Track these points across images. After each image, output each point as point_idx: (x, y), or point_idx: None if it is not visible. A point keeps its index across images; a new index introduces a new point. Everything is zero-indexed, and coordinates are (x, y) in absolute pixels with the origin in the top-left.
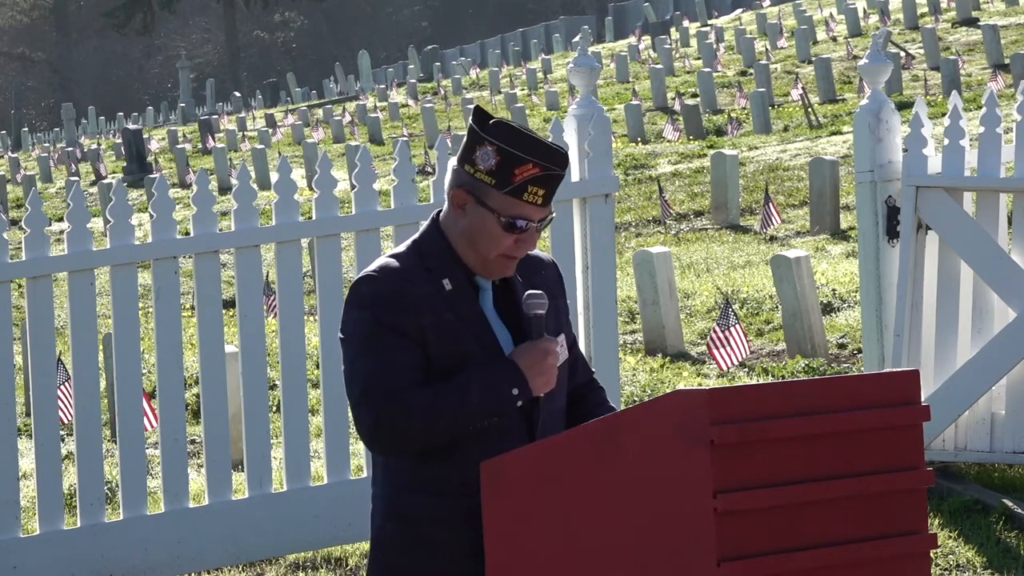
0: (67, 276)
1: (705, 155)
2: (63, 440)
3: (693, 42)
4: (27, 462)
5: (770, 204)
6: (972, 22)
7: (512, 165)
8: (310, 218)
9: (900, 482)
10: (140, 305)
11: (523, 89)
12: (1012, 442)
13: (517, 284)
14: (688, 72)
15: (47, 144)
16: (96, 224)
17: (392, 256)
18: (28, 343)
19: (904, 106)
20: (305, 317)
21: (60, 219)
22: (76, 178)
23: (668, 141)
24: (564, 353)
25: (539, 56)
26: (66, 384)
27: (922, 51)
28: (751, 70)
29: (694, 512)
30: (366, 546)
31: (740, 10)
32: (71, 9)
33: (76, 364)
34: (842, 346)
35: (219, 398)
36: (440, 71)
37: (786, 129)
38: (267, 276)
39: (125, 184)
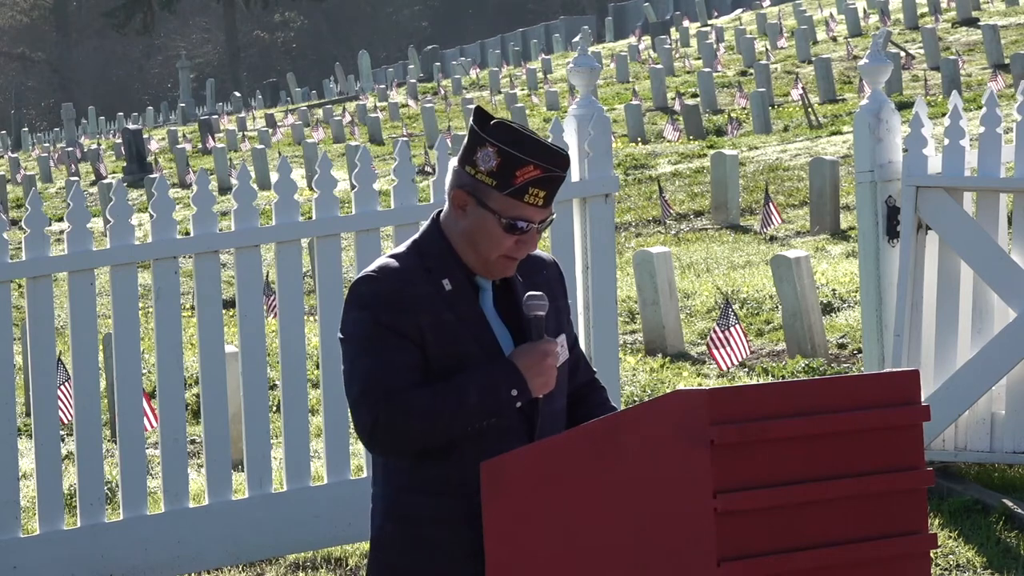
0: (67, 276)
1: (705, 155)
2: (63, 440)
3: (693, 42)
4: (27, 462)
5: (770, 204)
6: (972, 22)
7: (513, 167)
8: (310, 218)
9: (900, 482)
10: (140, 305)
11: (523, 89)
12: (1012, 442)
13: (518, 284)
14: (688, 72)
15: (47, 144)
16: (96, 224)
17: (392, 256)
18: (28, 343)
19: (904, 106)
20: (305, 317)
21: (60, 219)
22: (76, 178)
23: (668, 141)
24: (564, 354)
25: (539, 56)
26: (66, 384)
27: (922, 51)
28: (751, 70)
29: (694, 512)
30: (366, 546)
31: (740, 10)
32: (71, 9)
33: (76, 364)
34: (842, 346)
35: (219, 398)
36: (440, 71)
37: (786, 129)
38: (267, 276)
39: (125, 184)
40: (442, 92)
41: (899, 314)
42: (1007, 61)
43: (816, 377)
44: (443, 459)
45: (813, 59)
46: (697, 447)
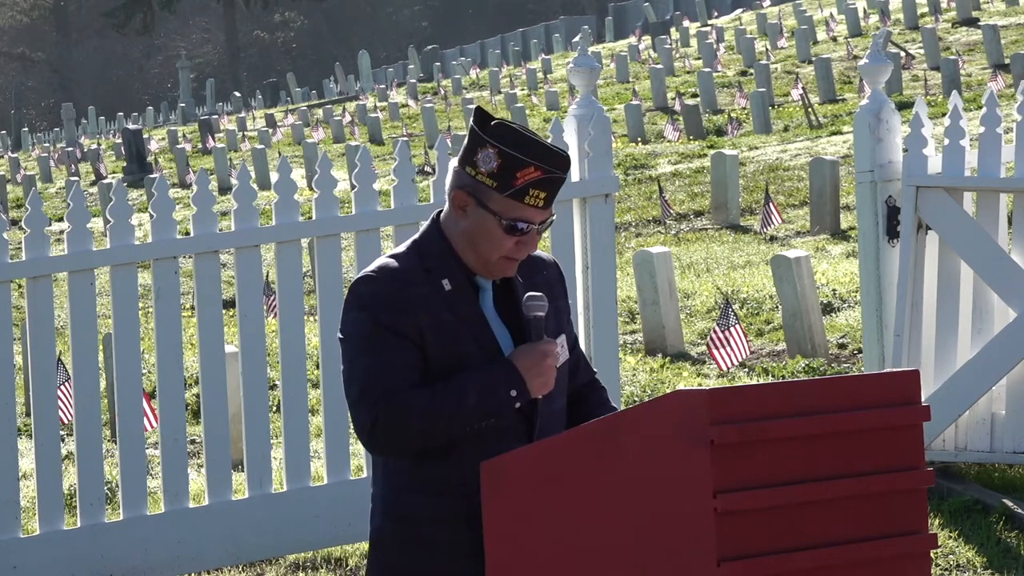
0: (67, 276)
1: (705, 155)
2: (63, 440)
3: (693, 42)
4: (27, 462)
5: (770, 204)
6: (972, 22)
7: (514, 168)
8: (310, 218)
9: (900, 482)
10: (140, 305)
11: (523, 89)
12: (1012, 442)
13: (518, 285)
14: (688, 72)
15: (47, 144)
16: (96, 224)
17: (391, 256)
18: (28, 343)
19: (904, 106)
20: (305, 317)
21: (60, 219)
22: (76, 178)
23: (668, 141)
24: (564, 354)
25: (539, 56)
26: (66, 384)
27: (922, 51)
28: (751, 70)
29: (694, 512)
30: (366, 546)
31: (740, 10)
32: (71, 9)
33: (76, 364)
34: (842, 346)
35: (219, 398)
36: (440, 71)
37: (786, 129)
38: (267, 276)
39: (125, 184)
40: (442, 92)
41: (899, 314)
42: (1007, 61)
43: (816, 377)
44: (443, 459)
45: (813, 59)
46: (697, 447)
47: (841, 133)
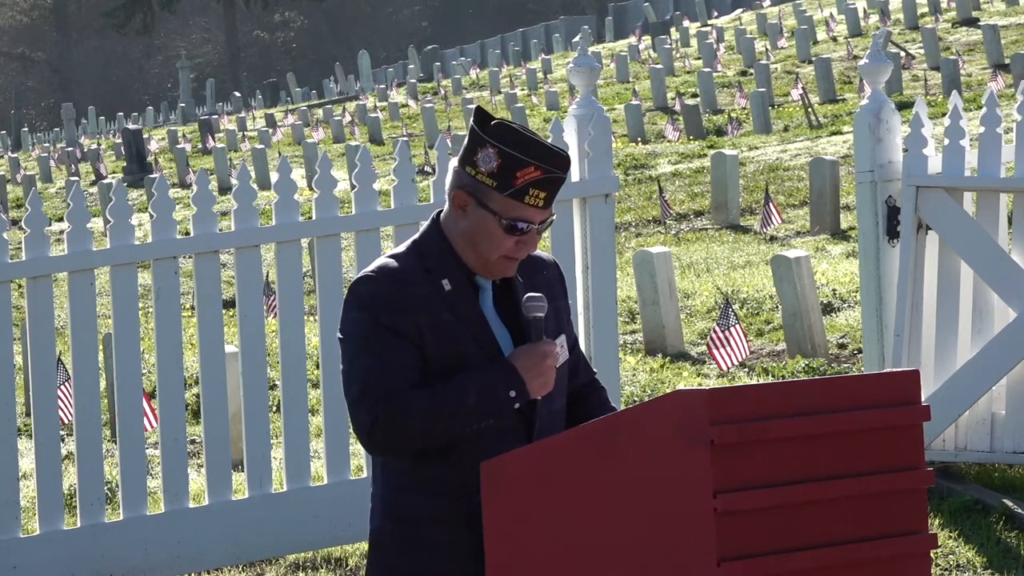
0: (67, 276)
1: (705, 155)
2: (63, 440)
3: (693, 42)
4: (27, 462)
5: (770, 204)
6: (972, 22)
7: (514, 168)
8: (310, 218)
9: (900, 482)
10: (140, 305)
11: (523, 89)
12: (1012, 442)
13: (518, 284)
14: (688, 72)
15: (47, 144)
16: (96, 224)
17: (391, 256)
18: (28, 343)
19: (904, 106)
20: (305, 317)
21: (60, 219)
22: (76, 178)
23: (668, 141)
24: (564, 354)
25: (539, 56)
26: (66, 384)
27: (922, 51)
28: (751, 70)
29: (694, 512)
30: (366, 546)
31: (740, 10)
32: (71, 9)
33: (76, 364)
34: (842, 346)
35: (219, 398)
36: (440, 71)
37: (786, 129)
38: (267, 276)
39: (125, 184)
40: (442, 92)
41: (899, 314)
42: (1007, 61)
43: (816, 377)
44: (442, 459)
45: (813, 59)
46: (697, 447)
47: (841, 133)
